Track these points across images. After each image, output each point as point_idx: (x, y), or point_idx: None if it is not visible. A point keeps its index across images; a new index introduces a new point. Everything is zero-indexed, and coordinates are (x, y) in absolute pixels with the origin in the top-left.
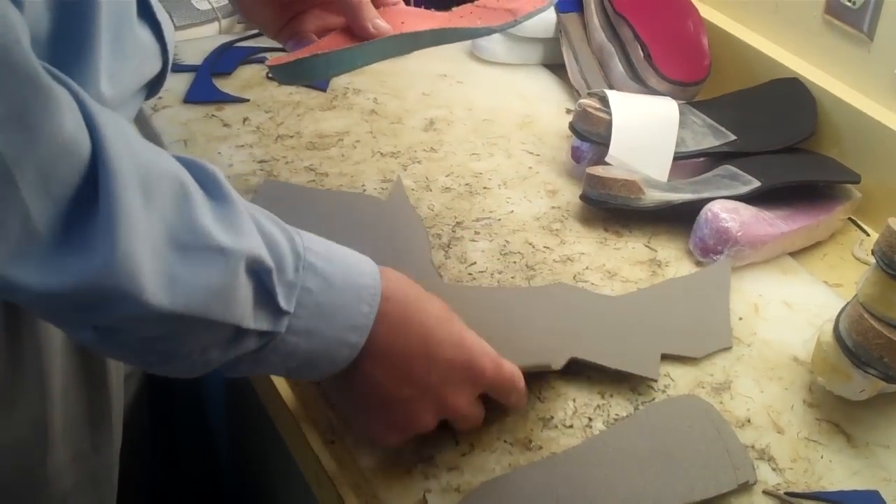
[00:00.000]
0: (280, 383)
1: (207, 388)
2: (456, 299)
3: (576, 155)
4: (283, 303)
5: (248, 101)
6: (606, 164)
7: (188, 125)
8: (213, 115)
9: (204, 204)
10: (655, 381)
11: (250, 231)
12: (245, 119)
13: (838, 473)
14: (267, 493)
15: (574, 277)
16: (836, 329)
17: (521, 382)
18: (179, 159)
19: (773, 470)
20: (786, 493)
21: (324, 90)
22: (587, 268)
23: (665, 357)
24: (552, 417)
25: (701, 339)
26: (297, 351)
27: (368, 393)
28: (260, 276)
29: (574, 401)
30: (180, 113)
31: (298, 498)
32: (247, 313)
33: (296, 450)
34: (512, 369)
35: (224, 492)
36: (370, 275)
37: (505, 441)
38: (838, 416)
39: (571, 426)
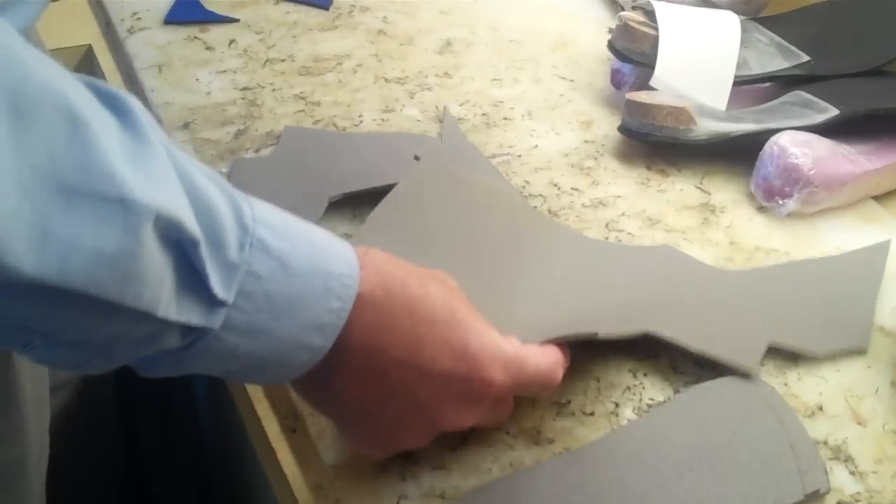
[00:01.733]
0: None
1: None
2: (545, 242)
3: (616, 79)
4: (217, 289)
5: (237, 21)
6: (651, 88)
7: (166, 48)
8: (195, 38)
9: (109, 136)
10: (753, 376)
11: (168, 183)
12: (231, 41)
13: None
14: (238, 489)
15: (606, 226)
16: None
17: (557, 374)
18: (85, 81)
19: (852, 474)
20: None
21: (326, 8)
22: (623, 214)
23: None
24: (568, 402)
25: (827, 333)
26: (237, 353)
27: (341, 406)
28: (182, 247)
29: (598, 381)
30: (158, 35)
31: (263, 498)
32: (163, 298)
33: (255, 438)
34: (541, 362)
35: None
36: (345, 260)
37: (506, 432)
38: None
39: (592, 414)
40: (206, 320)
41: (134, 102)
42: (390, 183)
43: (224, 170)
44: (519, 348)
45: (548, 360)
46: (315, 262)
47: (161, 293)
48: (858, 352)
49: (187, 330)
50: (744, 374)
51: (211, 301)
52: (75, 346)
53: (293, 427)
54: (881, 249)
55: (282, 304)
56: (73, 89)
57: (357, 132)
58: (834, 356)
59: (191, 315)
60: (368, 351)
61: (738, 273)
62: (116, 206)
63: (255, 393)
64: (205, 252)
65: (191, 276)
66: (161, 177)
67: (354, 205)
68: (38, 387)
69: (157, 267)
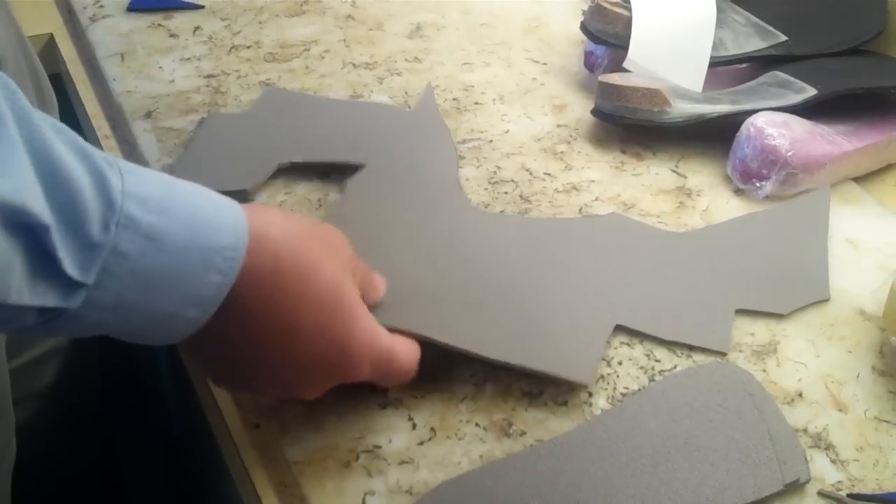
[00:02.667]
0: None
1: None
2: (486, 231)
3: (589, 62)
4: (72, 272)
5: (202, 7)
6: (625, 70)
7: (129, 36)
8: (159, 25)
9: None
10: (725, 354)
11: (13, 169)
12: (196, 28)
13: None
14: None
15: (580, 210)
16: None
17: (413, 370)
18: None
19: (833, 462)
20: (849, 496)
21: None
22: (597, 199)
23: None
24: (541, 392)
25: (789, 290)
26: (104, 325)
27: (215, 362)
28: (32, 231)
29: None
30: (121, 23)
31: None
32: (13, 285)
33: (219, 435)
34: (408, 357)
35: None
36: (230, 230)
37: (476, 424)
38: None
39: (565, 404)
40: (62, 302)
41: None
42: (346, 161)
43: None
44: (392, 341)
45: (413, 355)
46: (194, 236)
47: (11, 279)
48: (822, 301)
49: (44, 310)
50: (718, 354)
51: (67, 283)
52: None
53: (256, 423)
54: (822, 196)
55: (154, 280)
56: None
57: (333, 99)
58: (798, 310)
59: (45, 298)
60: (246, 321)
61: (690, 234)
62: None
63: (218, 388)
64: (56, 236)
65: (43, 259)
66: (4, 160)
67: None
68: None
69: (4, 253)
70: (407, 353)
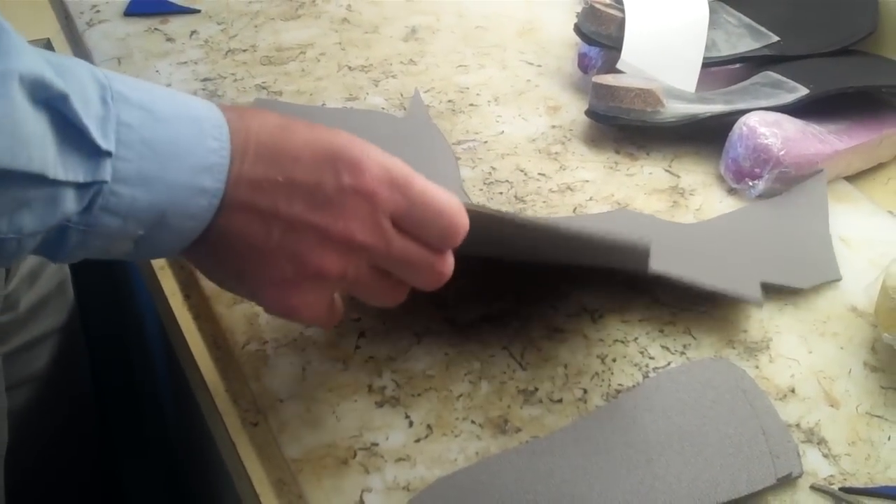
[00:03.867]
0: (197, 347)
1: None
2: (498, 230)
3: (583, 63)
4: (98, 139)
5: (198, 11)
6: (619, 71)
7: (126, 41)
8: (155, 29)
9: None
10: (760, 306)
11: (22, 49)
12: (192, 32)
13: None
14: (206, 486)
15: (574, 210)
16: None
17: (459, 218)
18: None
19: (825, 457)
20: (841, 489)
21: None
22: (591, 198)
23: (687, 311)
24: (536, 389)
25: (804, 269)
26: (138, 207)
27: (240, 253)
28: (53, 105)
29: (565, 367)
30: (118, 27)
31: (230, 494)
32: (49, 158)
33: (216, 434)
34: (437, 191)
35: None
36: (201, 103)
37: (472, 421)
38: None
39: (560, 401)
40: (94, 174)
41: None
42: None
43: None
44: (408, 168)
45: (448, 196)
46: (179, 108)
47: (47, 153)
48: (835, 281)
49: (81, 188)
50: (715, 358)
51: (95, 152)
52: None
53: (254, 421)
54: (818, 181)
55: (163, 150)
56: None
57: (324, 106)
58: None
59: (78, 172)
60: (237, 178)
61: (697, 224)
62: None
63: (216, 387)
64: (77, 104)
65: (70, 130)
66: (12, 44)
67: None
68: None
69: (37, 127)
70: (434, 187)
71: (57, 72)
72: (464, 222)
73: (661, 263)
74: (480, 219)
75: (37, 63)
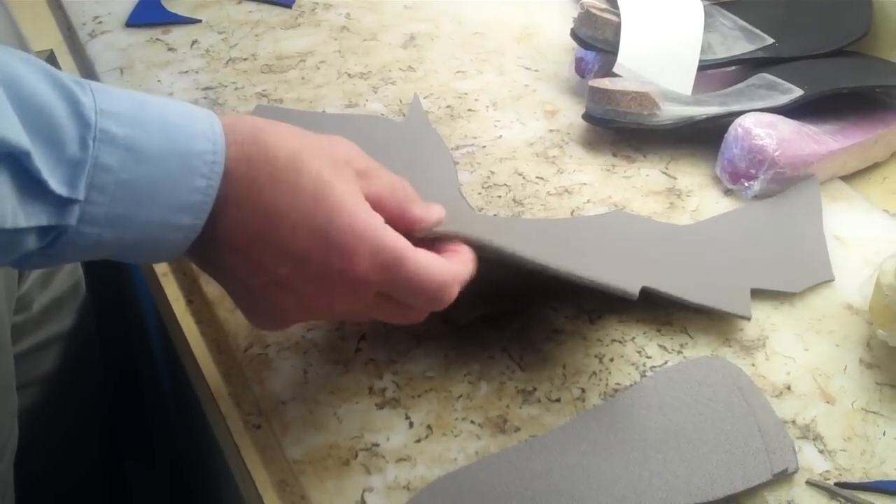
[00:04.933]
0: (200, 351)
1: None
2: (495, 234)
3: (580, 68)
4: (60, 189)
5: (199, 21)
6: (615, 75)
7: (128, 51)
8: (157, 39)
9: None
10: (748, 319)
11: None
12: (194, 42)
13: None
14: (210, 487)
15: (572, 213)
16: None
17: (446, 291)
18: None
19: (821, 452)
20: (836, 484)
21: (289, 6)
22: (588, 201)
23: (683, 309)
24: (534, 389)
25: (796, 272)
26: (104, 242)
27: (227, 275)
28: (15, 159)
29: (563, 367)
30: (120, 38)
31: (233, 495)
32: (7, 210)
33: (219, 436)
34: (429, 267)
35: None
36: (205, 135)
37: (472, 422)
38: None
39: (559, 400)
40: (58, 219)
41: None
42: None
43: None
44: (402, 243)
45: (440, 269)
46: (171, 143)
47: (4, 206)
48: (827, 282)
49: (43, 230)
50: (711, 356)
51: (58, 201)
52: None
53: (257, 424)
54: (811, 184)
55: (141, 191)
56: None
57: (324, 112)
58: (810, 287)
59: (40, 218)
60: (233, 225)
61: (692, 226)
62: None
63: (219, 391)
64: (39, 159)
65: (30, 183)
66: None
67: None
68: (1, 378)
69: None
70: (428, 260)
71: (27, 118)
72: (450, 296)
73: (652, 272)
74: (484, 252)
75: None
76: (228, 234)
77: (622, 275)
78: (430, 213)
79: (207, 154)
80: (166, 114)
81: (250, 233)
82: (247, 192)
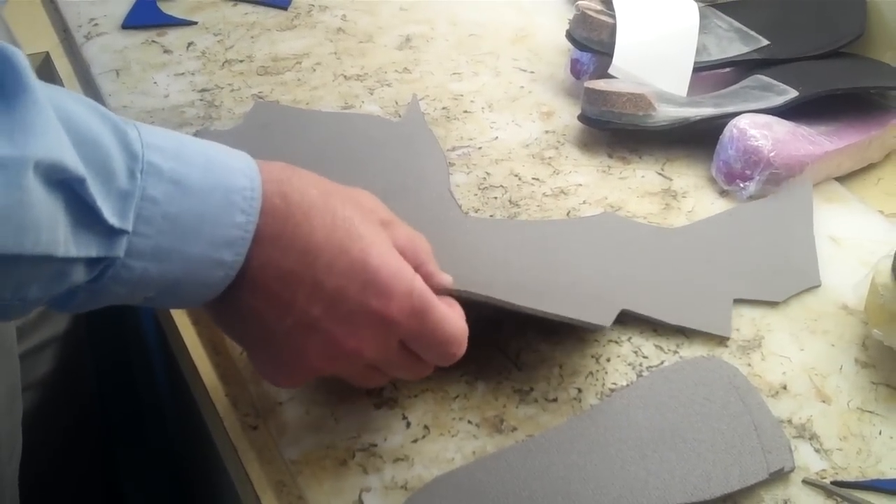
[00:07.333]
0: (197, 352)
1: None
2: (482, 236)
3: (575, 69)
4: (112, 219)
5: (195, 24)
6: (611, 77)
7: (123, 53)
8: (153, 41)
9: None
10: (727, 338)
11: (46, 128)
12: (189, 44)
13: None
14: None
15: (568, 214)
16: (895, 268)
17: (460, 343)
18: None
19: (817, 452)
20: (833, 483)
21: (285, 8)
22: (584, 202)
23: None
24: (531, 389)
25: (781, 278)
26: (149, 278)
27: (249, 323)
28: (69, 186)
29: (560, 367)
30: (116, 40)
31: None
32: (60, 238)
33: (216, 436)
34: (449, 317)
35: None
36: (244, 172)
37: (469, 421)
38: None
39: (555, 400)
40: (107, 251)
41: (9, 50)
42: (336, 172)
43: None
44: (430, 292)
45: (458, 322)
46: (213, 178)
47: (58, 234)
48: (809, 292)
49: (92, 262)
50: (713, 346)
51: (109, 232)
52: None
53: (254, 425)
54: (803, 186)
55: (185, 224)
56: None
57: (321, 110)
58: (783, 305)
59: (90, 248)
60: (266, 262)
61: (681, 230)
62: None
63: (216, 392)
64: (93, 187)
65: (84, 211)
66: (37, 122)
67: None
68: (9, 384)
69: (49, 210)
70: (447, 310)
71: (80, 148)
72: (462, 350)
73: (635, 288)
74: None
75: (57, 144)
76: (262, 272)
77: (604, 293)
78: (444, 275)
79: (246, 190)
80: (206, 150)
81: (285, 269)
82: (282, 228)
